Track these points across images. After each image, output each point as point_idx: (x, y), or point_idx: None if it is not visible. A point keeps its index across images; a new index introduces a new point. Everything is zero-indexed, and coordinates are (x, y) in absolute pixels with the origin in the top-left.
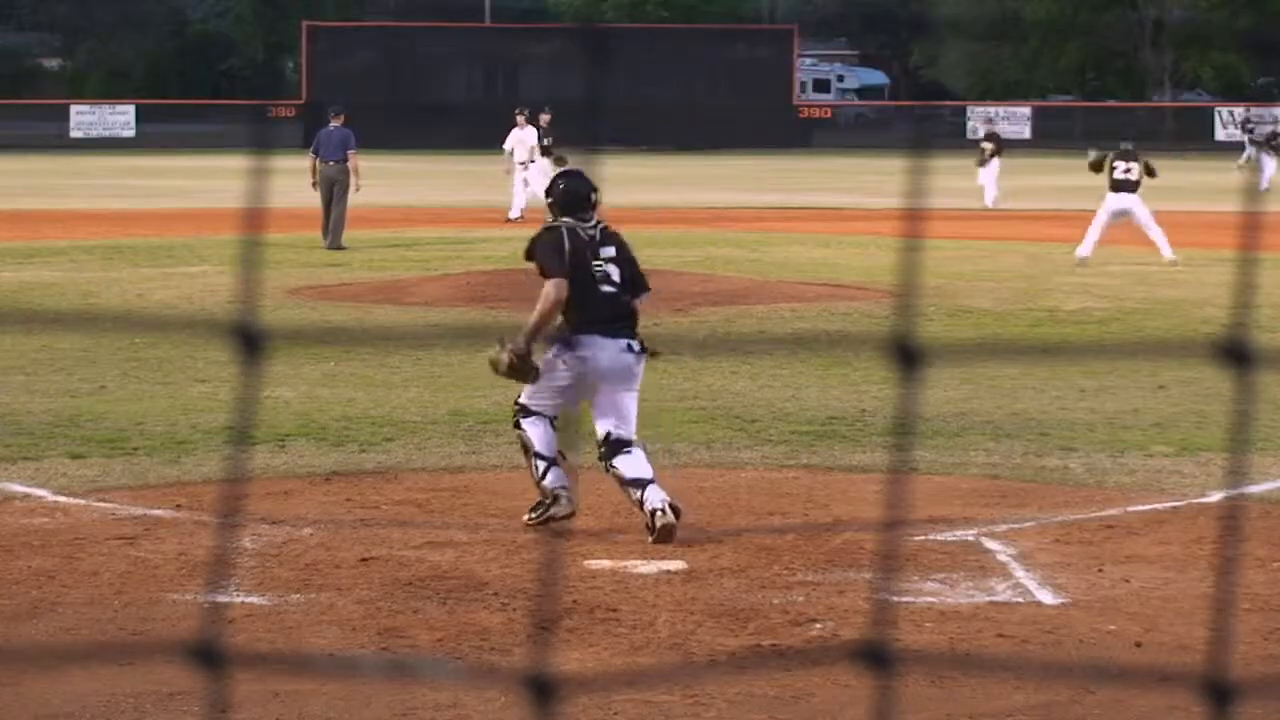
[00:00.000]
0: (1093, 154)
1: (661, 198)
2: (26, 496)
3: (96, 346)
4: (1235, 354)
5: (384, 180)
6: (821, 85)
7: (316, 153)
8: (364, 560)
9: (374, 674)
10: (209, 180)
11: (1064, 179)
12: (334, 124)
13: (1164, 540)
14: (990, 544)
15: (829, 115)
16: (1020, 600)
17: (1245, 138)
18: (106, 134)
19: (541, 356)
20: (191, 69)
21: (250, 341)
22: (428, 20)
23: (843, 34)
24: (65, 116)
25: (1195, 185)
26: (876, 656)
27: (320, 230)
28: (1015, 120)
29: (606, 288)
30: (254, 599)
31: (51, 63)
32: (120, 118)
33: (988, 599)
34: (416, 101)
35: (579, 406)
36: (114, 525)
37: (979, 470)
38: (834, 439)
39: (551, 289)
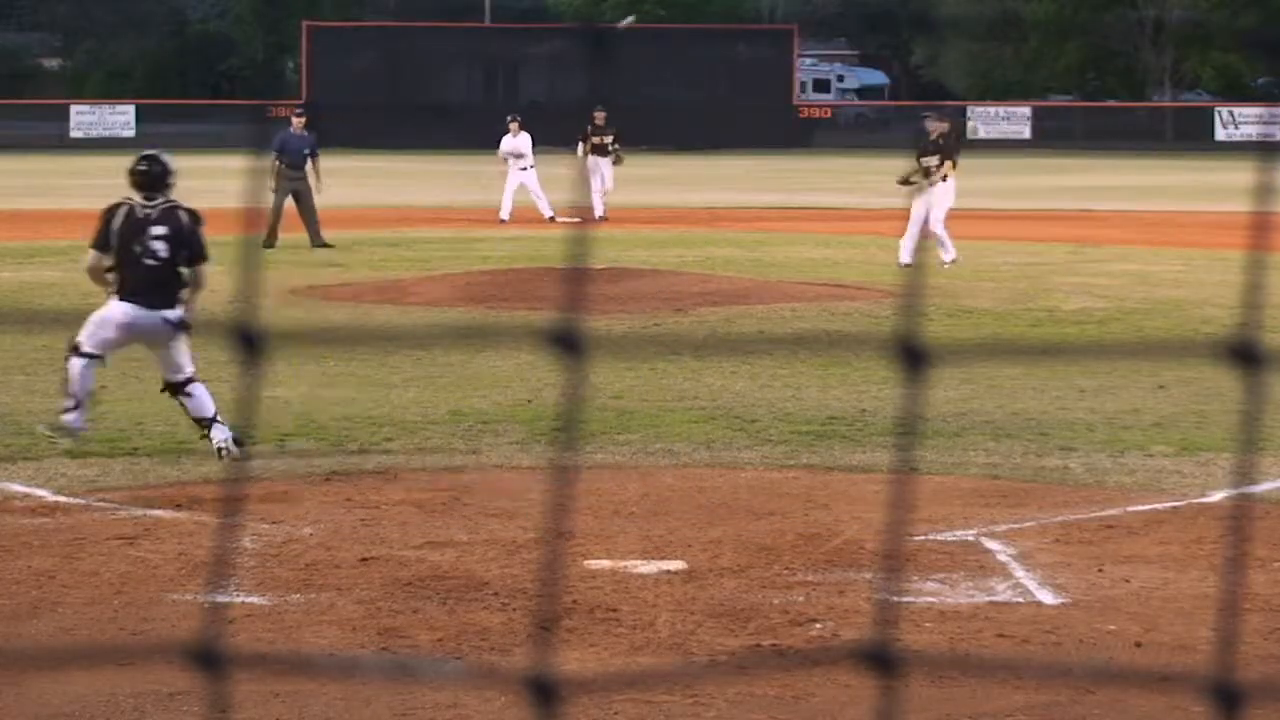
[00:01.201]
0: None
1: (661, 198)
2: (26, 496)
3: None
4: (1244, 355)
5: (385, 180)
6: (821, 85)
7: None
8: (364, 560)
9: (374, 675)
10: (209, 180)
11: (1064, 179)
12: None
13: (1164, 540)
14: (990, 544)
15: (829, 115)
16: (1020, 600)
17: None
18: (106, 134)
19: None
20: (191, 69)
21: (250, 342)
22: (428, 20)
23: (843, 34)
24: (65, 116)
25: (1195, 185)
26: (882, 660)
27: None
28: (1015, 120)
29: (150, 261)
30: (254, 599)
31: (51, 63)
32: (120, 118)
33: (988, 599)
34: (416, 101)
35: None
36: (114, 525)
37: (979, 470)
38: (834, 439)
39: (89, 257)
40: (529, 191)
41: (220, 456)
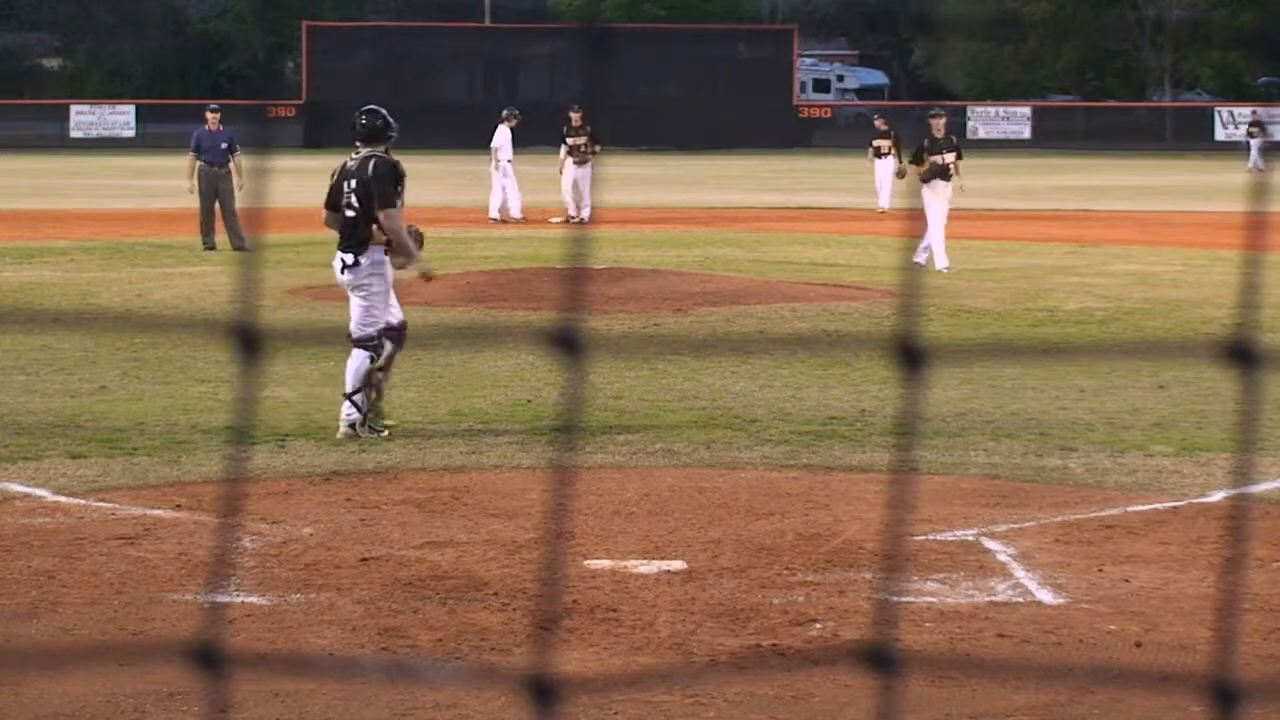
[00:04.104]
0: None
1: (661, 198)
2: (26, 496)
3: (96, 346)
4: (1240, 354)
5: None
6: (821, 85)
7: (198, 151)
8: (364, 560)
9: (374, 676)
10: None
11: (1064, 179)
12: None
13: (1164, 540)
14: (990, 544)
15: (829, 115)
16: (1020, 600)
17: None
18: (106, 134)
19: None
20: (191, 69)
21: (249, 342)
22: (428, 20)
23: (843, 34)
24: (65, 116)
25: (1195, 185)
26: (881, 659)
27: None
28: (1015, 120)
29: (349, 212)
30: (254, 599)
31: (51, 63)
32: (120, 118)
33: (988, 599)
34: (416, 101)
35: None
36: (114, 525)
37: (979, 470)
38: (834, 439)
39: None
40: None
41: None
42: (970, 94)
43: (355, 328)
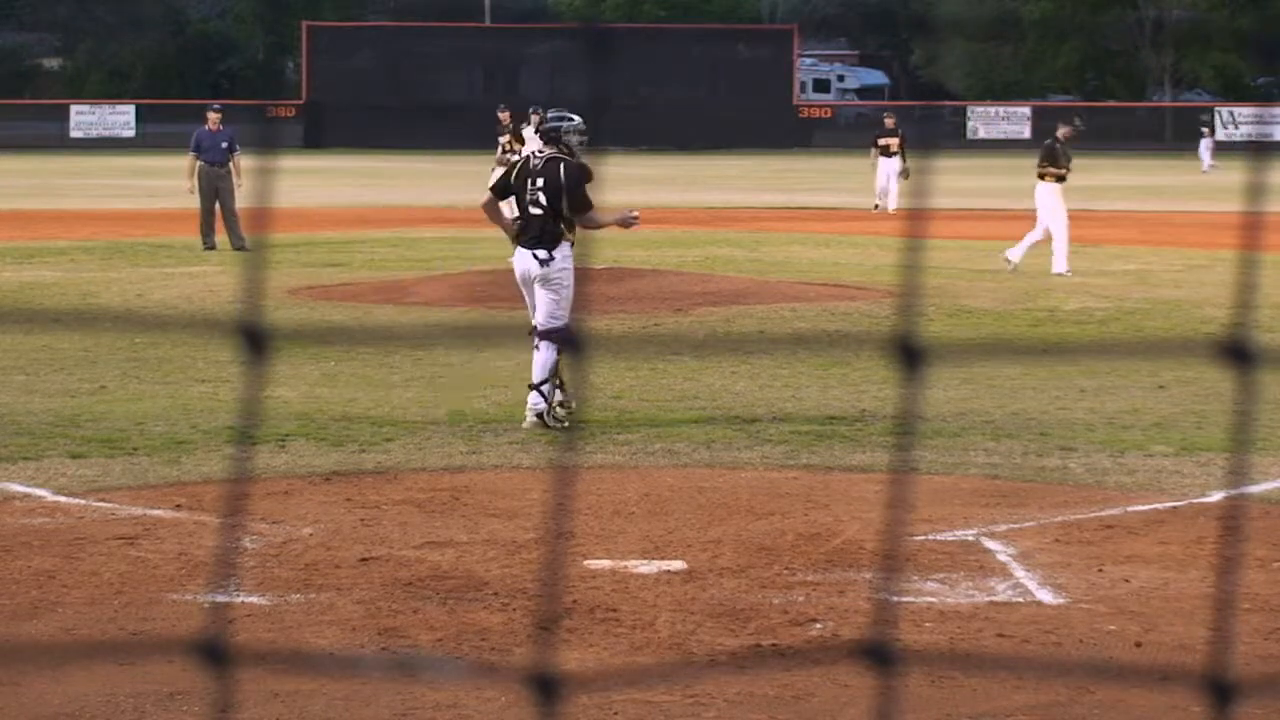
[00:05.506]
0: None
1: (661, 198)
2: (26, 496)
3: (96, 346)
4: (1236, 353)
5: (385, 180)
6: (821, 85)
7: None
8: (364, 560)
9: (376, 672)
10: None
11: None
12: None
13: (1164, 540)
14: (990, 544)
15: (829, 115)
16: (1020, 600)
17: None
18: (106, 134)
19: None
20: (191, 69)
21: (255, 341)
22: (428, 20)
23: (843, 34)
24: (65, 116)
25: (1195, 185)
26: (879, 655)
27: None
28: (1015, 120)
29: (533, 209)
30: (254, 599)
31: (51, 63)
32: (120, 118)
33: (988, 599)
34: (416, 101)
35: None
36: (114, 525)
37: (979, 470)
38: (834, 439)
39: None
40: None
41: (534, 418)
42: (970, 94)
43: (544, 320)
